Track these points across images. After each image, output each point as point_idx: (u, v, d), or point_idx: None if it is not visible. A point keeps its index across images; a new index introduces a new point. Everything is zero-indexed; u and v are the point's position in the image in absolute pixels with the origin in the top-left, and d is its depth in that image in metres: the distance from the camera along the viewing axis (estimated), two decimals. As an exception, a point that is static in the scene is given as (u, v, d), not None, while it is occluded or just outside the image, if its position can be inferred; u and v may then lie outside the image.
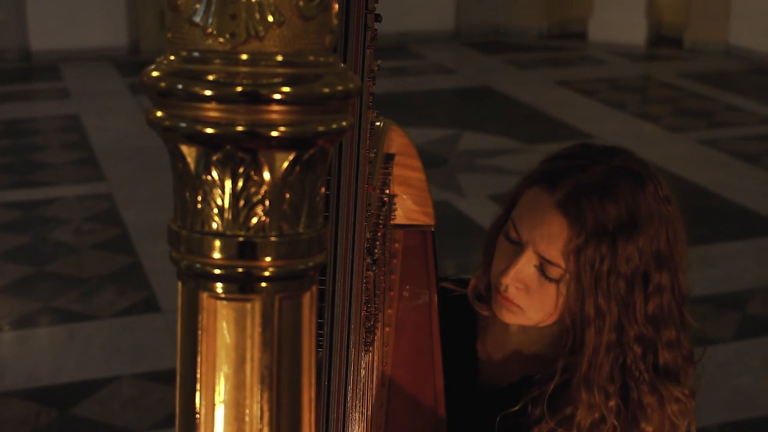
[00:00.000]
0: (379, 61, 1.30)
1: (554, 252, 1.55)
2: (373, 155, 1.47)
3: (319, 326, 1.13)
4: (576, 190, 1.54)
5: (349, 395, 1.35)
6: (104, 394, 4.19)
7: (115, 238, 5.75)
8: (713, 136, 7.86)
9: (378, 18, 1.22)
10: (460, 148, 7.46)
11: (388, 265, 1.72)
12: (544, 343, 1.71)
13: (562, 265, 1.55)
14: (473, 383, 1.78)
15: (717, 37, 10.60)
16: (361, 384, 1.49)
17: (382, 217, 1.57)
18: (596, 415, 1.57)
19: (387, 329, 1.75)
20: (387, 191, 1.64)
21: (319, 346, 1.17)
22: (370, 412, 1.60)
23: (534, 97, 8.93)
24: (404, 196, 1.80)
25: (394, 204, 1.74)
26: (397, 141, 1.72)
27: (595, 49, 10.90)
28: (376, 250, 1.50)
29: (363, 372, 1.49)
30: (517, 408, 1.63)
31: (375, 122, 1.56)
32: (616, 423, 1.57)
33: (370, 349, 1.54)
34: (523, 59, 10.53)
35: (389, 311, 1.76)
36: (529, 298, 1.59)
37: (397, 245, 1.80)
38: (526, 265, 1.57)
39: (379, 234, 1.54)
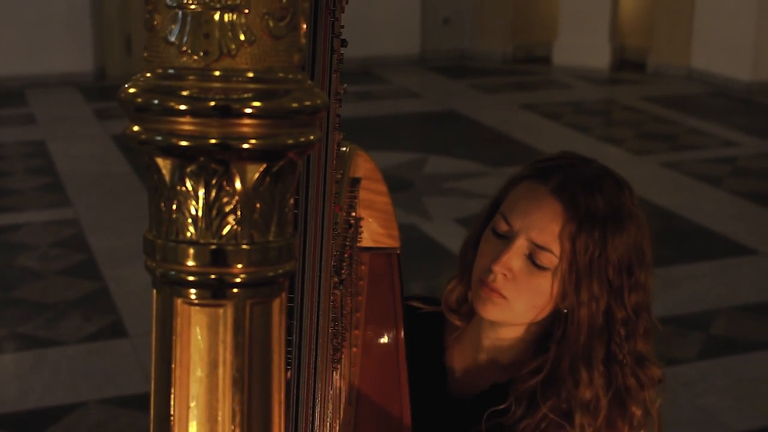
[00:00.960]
0: (345, 85, 1.34)
1: (548, 237, 1.62)
2: (339, 176, 1.50)
3: (288, 343, 1.16)
4: (568, 180, 1.63)
5: (317, 410, 1.37)
6: (71, 420, 4.18)
7: (82, 263, 5.75)
8: (676, 158, 7.95)
9: (344, 43, 1.27)
10: (426, 171, 7.51)
11: (355, 286, 1.76)
12: (516, 350, 1.75)
13: (556, 250, 1.61)
14: (443, 395, 1.82)
15: (679, 62, 10.72)
16: (329, 401, 1.52)
17: (348, 239, 1.60)
18: (592, 393, 1.63)
19: (354, 349, 1.78)
20: (353, 214, 1.68)
21: (287, 363, 1.19)
22: (337, 430, 1.62)
23: (499, 120, 9.00)
24: (370, 220, 1.83)
25: (361, 227, 1.78)
26: (363, 166, 1.76)
27: (559, 73, 11.00)
28: (343, 271, 1.53)
29: (331, 390, 1.52)
30: (503, 407, 1.68)
31: (341, 147, 1.60)
32: (605, 403, 1.64)
33: (338, 366, 1.56)
34: (489, 83, 10.60)
35: (356, 332, 1.79)
36: (517, 288, 1.64)
37: (363, 267, 1.84)
38: (517, 253, 1.63)
39: (346, 255, 1.57)
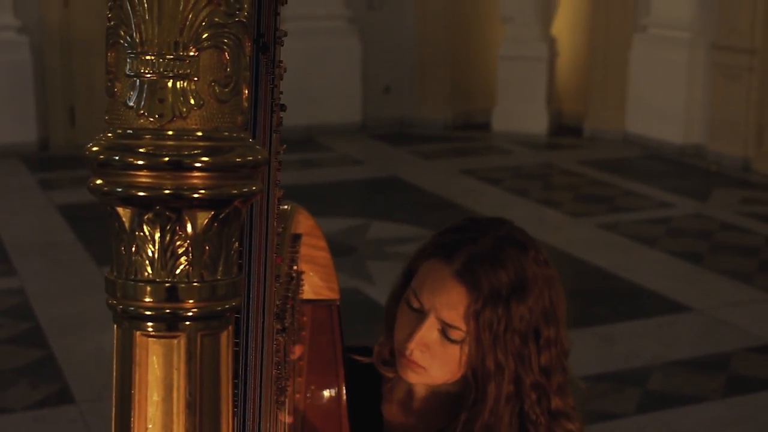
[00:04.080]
0: (285, 146, 1.45)
1: (455, 316, 1.72)
2: (281, 230, 1.61)
3: (234, 386, 1.24)
4: (471, 261, 1.73)
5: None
6: (18, 487, 4.19)
7: (27, 331, 5.76)
8: (613, 220, 8.12)
9: (283, 107, 1.38)
10: (369, 236, 7.61)
11: (297, 335, 1.85)
12: (446, 400, 1.85)
13: (463, 328, 1.72)
14: None
15: (615, 126, 10.94)
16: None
17: (290, 291, 1.70)
18: None
19: (297, 396, 1.87)
20: (295, 268, 1.78)
21: (234, 405, 1.28)
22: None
23: (440, 186, 9.14)
24: (311, 273, 1.94)
25: (302, 280, 1.88)
26: (304, 223, 1.87)
27: (498, 139, 11.18)
28: (286, 320, 1.63)
29: (276, 430, 1.60)
30: None
31: (283, 206, 1.71)
32: None
33: (282, 408, 1.65)
34: (429, 150, 10.76)
35: (299, 379, 1.88)
36: (432, 359, 1.75)
37: (305, 318, 1.93)
38: (429, 330, 1.74)
39: (289, 305, 1.67)
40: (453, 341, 1.73)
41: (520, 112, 11.24)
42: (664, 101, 10.28)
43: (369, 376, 1.95)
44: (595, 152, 10.54)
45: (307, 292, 1.92)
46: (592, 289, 6.52)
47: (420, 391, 1.88)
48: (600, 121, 11.08)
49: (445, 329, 1.73)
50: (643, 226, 7.93)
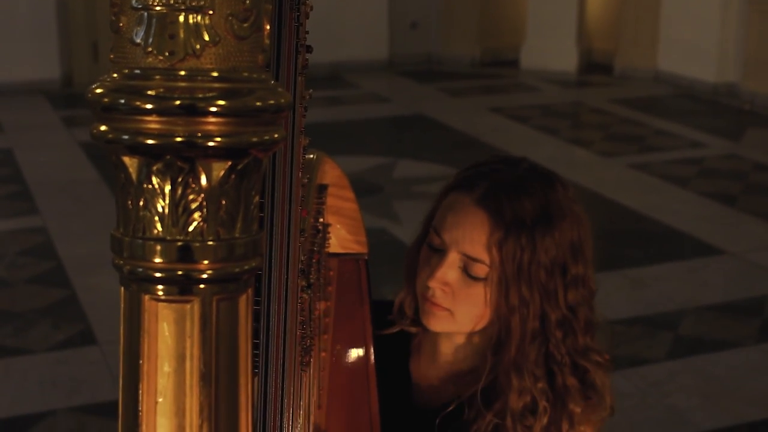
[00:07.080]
0: (311, 90, 1.34)
1: (478, 248, 1.62)
2: (306, 181, 1.51)
3: (254, 346, 1.16)
4: (493, 188, 1.63)
5: (286, 413, 1.38)
6: (41, 429, 4.16)
7: (50, 271, 5.72)
8: (644, 160, 8.00)
9: (309, 49, 1.27)
10: (396, 175, 7.52)
11: (324, 291, 1.76)
12: (474, 358, 1.76)
13: (486, 260, 1.62)
14: (408, 403, 1.83)
15: (646, 64, 10.79)
16: (299, 403, 1.52)
17: (316, 245, 1.61)
18: (527, 399, 1.64)
19: (323, 354, 1.79)
20: (321, 220, 1.68)
21: (254, 366, 1.20)
22: (306, 433, 1.63)
23: (468, 124, 9.03)
24: (338, 226, 1.84)
25: (329, 233, 1.78)
26: (330, 173, 1.77)
27: (527, 76, 11.05)
28: (312, 276, 1.54)
29: (300, 392, 1.53)
30: (451, 409, 1.71)
31: (308, 155, 1.61)
32: (546, 405, 1.64)
33: (307, 369, 1.57)
34: (457, 87, 10.63)
35: (325, 337, 1.79)
36: (455, 300, 1.65)
37: (332, 273, 1.84)
38: (450, 267, 1.64)
39: (314, 260, 1.58)
40: (476, 279, 1.63)
41: (550, 49, 11.09)
42: (697, 39, 10.10)
43: (397, 332, 1.86)
44: (625, 90, 10.39)
45: (334, 245, 1.83)
46: (623, 231, 6.42)
47: (446, 344, 1.79)
48: (631, 59, 10.91)
49: (467, 266, 1.63)
50: (675, 166, 7.80)
